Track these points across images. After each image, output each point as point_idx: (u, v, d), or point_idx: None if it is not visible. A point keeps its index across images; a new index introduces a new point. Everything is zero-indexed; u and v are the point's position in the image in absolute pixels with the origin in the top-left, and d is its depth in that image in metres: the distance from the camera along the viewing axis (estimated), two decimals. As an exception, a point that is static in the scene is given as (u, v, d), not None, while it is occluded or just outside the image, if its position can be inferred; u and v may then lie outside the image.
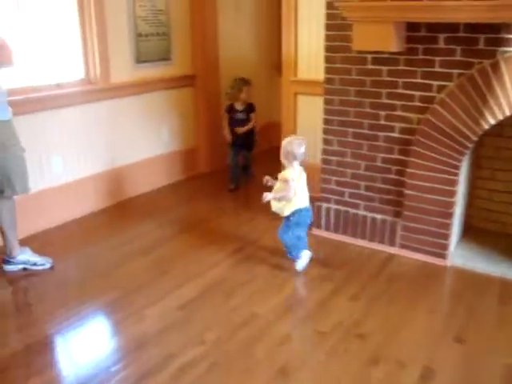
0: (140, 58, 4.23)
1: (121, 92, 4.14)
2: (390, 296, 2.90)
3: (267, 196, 3.01)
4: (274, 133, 5.77)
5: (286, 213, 3.10)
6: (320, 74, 3.98)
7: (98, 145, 4.07)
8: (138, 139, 4.39)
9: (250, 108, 4.58)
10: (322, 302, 2.85)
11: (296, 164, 3.07)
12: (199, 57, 4.69)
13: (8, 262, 3.19)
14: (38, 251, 3.28)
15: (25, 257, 3.20)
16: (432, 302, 2.86)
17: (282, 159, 3.08)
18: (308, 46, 4.08)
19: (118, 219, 4.00)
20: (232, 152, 4.63)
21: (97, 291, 2.97)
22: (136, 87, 4.24)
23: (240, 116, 4.56)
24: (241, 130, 4.55)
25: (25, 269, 3.19)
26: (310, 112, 4.20)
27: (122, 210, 4.19)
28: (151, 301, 2.86)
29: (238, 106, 4.54)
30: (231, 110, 4.57)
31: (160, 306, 2.82)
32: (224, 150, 4.75)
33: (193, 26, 4.63)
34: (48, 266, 3.22)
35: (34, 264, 3.20)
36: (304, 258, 3.14)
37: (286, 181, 3.00)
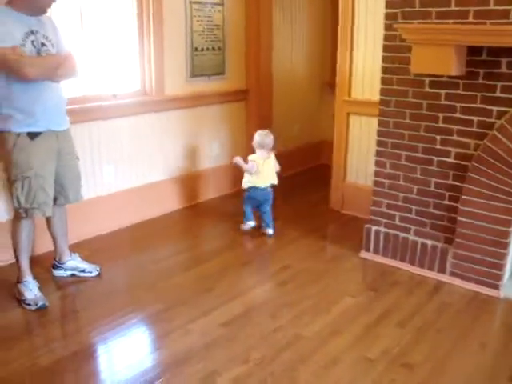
0: (194, 72, 4.30)
1: (174, 104, 4.21)
2: (440, 325, 2.82)
3: (236, 159, 3.87)
4: (325, 151, 5.78)
5: (244, 186, 3.92)
6: (374, 95, 3.97)
7: (150, 155, 4.15)
8: (189, 151, 4.45)
9: None
10: (369, 327, 2.79)
11: (262, 151, 3.86)
12: (253, 72, 4.73)
13: (57, 267, 3.27)
14: (87, 258, 3.36)
15: (74, 263, 3.28)
16: (484, 334, 2.77)
17: (254, 146, 3.90)
18: (363, 66, 4.06)
19: (166, 231, 4.06)
20: None
21: (142, 302, 3.01)
22: (189, 100, 4.31)
23: None
24: None
25: (73, 275, 3.27)
26: (361, 132, 4.17)
27: (170, 221, 4.24)
28: (195, 316, 2.87)
29: None
30: None
31: (204, 322, 2.83)
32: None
33: (247, 41, 4.69)
34: (95, 273, 3.29)
35: (83, 271, 3.28)
36: (246, 225, 3.99)
37: (249, 161, 3.84)
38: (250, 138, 4.82)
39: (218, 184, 4.76)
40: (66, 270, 3.27)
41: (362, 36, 4.02)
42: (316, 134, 5.81)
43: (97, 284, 3.22)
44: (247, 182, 3.89)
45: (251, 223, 4.01)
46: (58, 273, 3.27)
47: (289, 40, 5.22)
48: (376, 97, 3.83)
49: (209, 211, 4.49)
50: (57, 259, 3.27)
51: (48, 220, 3.14)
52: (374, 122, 3.91)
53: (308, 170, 5.69)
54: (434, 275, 3.30)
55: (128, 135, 3.97)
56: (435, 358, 2.56)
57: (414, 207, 3.34)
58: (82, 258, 3.33)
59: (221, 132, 4.69)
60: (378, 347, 2.62)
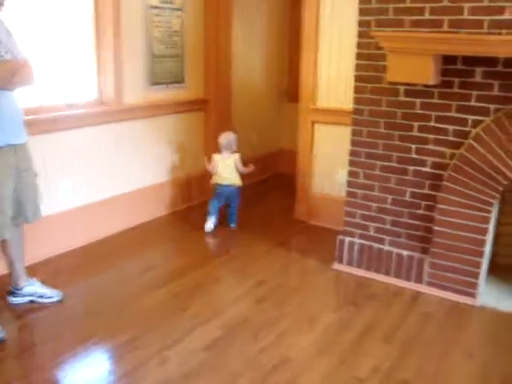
0: (154, 80, 4.08)
1: (133, 114, 3.98)
2: (424, 338, 2.76)
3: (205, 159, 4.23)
4: (283, 160, 5.69)
5: (211, 182, 4.21)
6: (340, 103, 3.92)
7: (109, 168, 3.90)
8: (148, 163, 4.22)
9: None
10: (354, 344, 2.68)
11: (225, 152, 4.13)
12: (212, 81, 4.56)
13: (14, 294, 2.97)
14: (46, 281, 3.07)
15: (32, 288, 2.99)
16: (469, 344, 2.73)
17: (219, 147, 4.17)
18: (328, 73, 3.99)
19: (129, 247, 3.81)
20: None
21: (109, 330, 2.75)
22: (149, 109, 4.09)
23: None
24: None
25: (32, 301, 2.97)
26: (327, 142, 4.10)
27: (133, 236, 3.99)
28: (172, 340, 2.67)
29: None
30: None
31: (181, 348, 2.62)
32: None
33: (206, 49, 4.52)
34: (56, 298, 3.01)
35: (42, 296, 2.99)
36: (208, 224, 4.12)
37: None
38: (210, 148, 4.69)
39: (181, 195, 4.55)
40: (23, 296, 2.97)
41: (327, 42, 3.95)
42: (274, 143, 5.72)
43: (58, 311, 2.94)
44: (212, 179, 4.20)
45: (212, 220, 4.14)
46: (14, 300, 2.96)
47: (247, 47, 5.10)
48: (343, 105, 3.80)
49: (173, 224, 4.27)
50: (13, 285, 2.97)
51: (3, 242, 2.84)
52: (341, 130, 3.89)
53: (267, 179, 5.57)
54: (411, 285, 3.25)
55: (85, 147, 3.70)
56: (426, 372, 2.48)
57: (388, 217, 3.28)
58: (40, 282, 3.03)
59: (181, 143, 4.49)
60: (367, 365, 2.52)
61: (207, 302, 3.06)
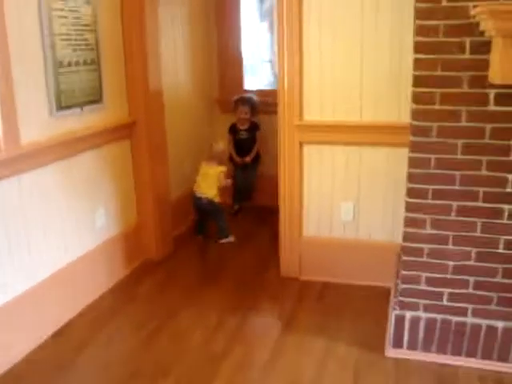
0: (62, 102, 2.55)
1: (36, 160, 2.42)
2: None
3: None
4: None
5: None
6: (340, 114, 2.81)
7: (8, 244, 2.32)
8: (64, 232, 2.68)
9: (254, 127, 4.22)
10: None
11: (210, 160, 3.71)
12: (139, 94, 3.10)
13: None
14: None
15: None
16: None
17: None
18: (320, 76, 2.80)
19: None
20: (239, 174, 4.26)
21: None
22: (57, 149, 2.54)
23: (243, 135, 4.21)
24: (247, 159, 4.22)
25: None
26: (323, 168, 2.93)
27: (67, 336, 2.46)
28: None
29: (241, 126, 4.21)
30: (233, 130, 4.23)
31: None
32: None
33: (128, 49, 3.05)
34: None
35: None
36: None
37: None
38: (143, 188, 3.26)
39: (115, 264, 3.07)
40: None
41: (315, 33, 2.76)
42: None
43: None
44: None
45: (199, 236, 3.79)
46: None
47: (172, 48, 3.69)
48: (346, 115, 2.71)
49: (109, 314, 2.79)
50: None
51: None
52: (342, 151, 2.82)
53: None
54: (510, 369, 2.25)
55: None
56: None
57: (472, 278, 2.23)
58: None
59: (104, 191, 2.99)
60: None
61: None
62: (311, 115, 2.87)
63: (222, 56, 4.25)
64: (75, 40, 2.60)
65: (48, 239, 2.55)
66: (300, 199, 2.99)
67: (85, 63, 2.69)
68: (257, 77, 4.84)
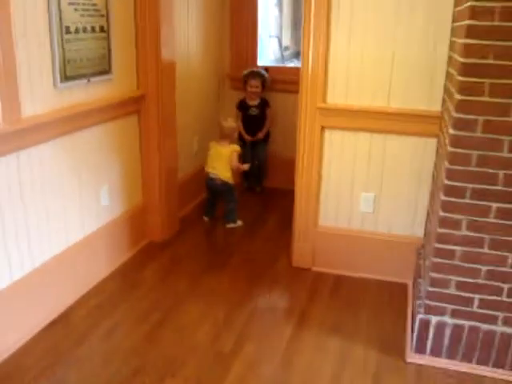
0: (68, 72, 2.32)
1: (39, 135, 2.20)
2: None
3: None
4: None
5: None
6: (367, 99, 2.61)
7: (13, 226, 2.12)
8: (67, 210, 2.48)
9: (264, 103, 3.98)
10: None
11: (222, 139, 3.47)
12: (150, 66, 2.87)
13: None
14: None
15: None
16: None
17: None
18: (348, 54, 2.57)
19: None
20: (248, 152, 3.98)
21: None
22: (61, 123, 2.32)
23: (254, 111, 3.96)
24: (259, 135, 4.01)
25: None
26: (344, 155, 2.73)
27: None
28: None
29: (251, 101, 3.95)
30: (243, 106, 3.97)
31: None
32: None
33: (141, 18, 2.80)
34: None
35: None
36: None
37: None
38: (150, 167, 3.06)
39: (118, 246, 2.88)
40: None
41: (346, 8, 2.52)
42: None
43: None
44: None
45: (205, 218, 3.59)
46: None
47: (185, 16, 3.43)
48: (372, 101, 2.53)
49: (116, 299, 2.61)
50: None
51: None
52: (365, 139, 2.64)
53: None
54: (541, 383, 2.10)
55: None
56: None
57: (506, 285, 2.06)
58: None
59: (109, 169, 2.78)
60: None
61: None
62: (335, 98, 2.65)
63: (235, 28, 3.99)
64: (83, 4, 2.36)
65: (49, 221, 2.36)
66: (318, 187, 2.80)
67: (93, 30, 2.44)
68: (263, 52, 4.61)
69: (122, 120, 2.82)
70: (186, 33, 3.46)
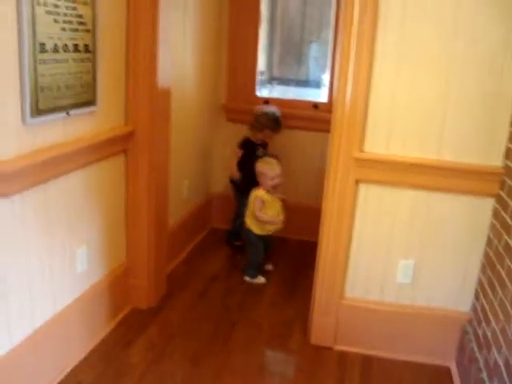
0: (41, 104, 1.68)
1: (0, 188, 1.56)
2: None
3: None
4: (213, 210, 3.63)
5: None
6: (412, 150, 2.09)
7: None
8: (34, 286, 1.81)
9: (265, 143, 3.28)
10: None
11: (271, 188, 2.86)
12: (143, 95, 2.25)
13: None
14: None
15: None
16: None
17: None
18: (392, 95, 2.04)
19: None
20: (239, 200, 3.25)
21: None
22: (29, 171, 1.67)
23: (261, 153, 3.19)
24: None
25: None
26: (381, 214, 2.17)
27: None
28: None
29: (257, 141, 3.22)
30: (248, 145, 3.20)
31: None
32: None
33: (133, 34, 2.19)
34: None
35: None
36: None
37: None
38: (136, 221, 2.43)
39: (97, 319, 2.20)
40: None
41: (391, 40, 1.99)
42: (204, 188, 3.55)
43: None
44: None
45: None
46: None
47: (180, 42, 2.83)
48: (413, 152, 2.01)
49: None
50: None
51: None
52: (404, 195, 2.12)
53: (201, 247, 3.40)
54: None
55: None
56: None
57: None
58: None
59: (89, 226, 2.13)
60: None
61: None
62: (374, 147, 2.10)
63: (233, 57, 3.41)
64: (65, 15, 1.73)
65: (8, 303, 1.68)
66: (346, 251, 2.23)
67: (76, 49, 1.82)
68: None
69: (105, 162, 2.17)
70: (183, 54, 2.86)
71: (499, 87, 1.97)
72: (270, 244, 2.99)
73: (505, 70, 1.95)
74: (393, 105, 2.04)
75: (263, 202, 2.81)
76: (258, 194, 2.82)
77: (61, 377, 1.99)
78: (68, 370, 2.03)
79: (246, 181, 3.11)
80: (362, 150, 2.10)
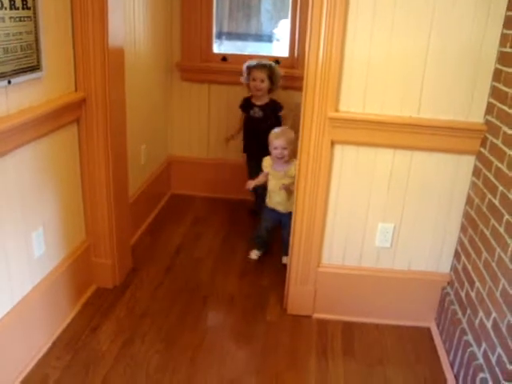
0: (-23, 72, 1.45)
1: None
2: None
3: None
4: (173, 175, 3.46)
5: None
6: (392, 107, 1.98)
7: None
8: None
9: (272, 107, 3.00)
10: None
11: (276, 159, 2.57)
12: (95, 57, 2.02)
13: None
14: None
15: None
16: None
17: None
18: (369, 49, 1.90)
19: None
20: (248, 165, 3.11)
21: None
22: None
23: (257, 113, 2.99)
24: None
25: None
26: (357, 176, 2.07)
27: None
28: None
29: (256, 101, 3.00)
30: (246, 104, 3.04)
31: None
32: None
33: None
34: None
35: None
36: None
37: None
38: (94, 196, 2.23)
39: (59, 305, 2.03)
40: None
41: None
42: (162, 151, 3.35)
43: None
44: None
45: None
46: None
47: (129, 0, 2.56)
48: (393, 110, 1.92)
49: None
50: None
51: None
52: (383, 155, 2.04)
53: (163, 215, 3.24)
54: None
55: None
56: None
57: None
58: None
59: (43, 206, 1.92)
60: None
61: None
62: (350, 106, 1.97)
63: (187, 11, 3.16)
64: (-2, -36, 1.48)
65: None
66: (323, 217, 2.13)
67: (13, 6, 1.57)
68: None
69: (55, 135, 1.95)
70: (132, 13, 2.60)
71: (481, 41, 1.86)
72: (284, 228, 2.57)
73: (488, 23, 1.84)
74: (369, 60, 1.91)
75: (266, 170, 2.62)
76: (264, 160, 2.62)
77: (26, 371, 1.84)
78: (33, 363, 1.88)
79: (247, 143, 3.08)
80: (337, 110, 1.97)
